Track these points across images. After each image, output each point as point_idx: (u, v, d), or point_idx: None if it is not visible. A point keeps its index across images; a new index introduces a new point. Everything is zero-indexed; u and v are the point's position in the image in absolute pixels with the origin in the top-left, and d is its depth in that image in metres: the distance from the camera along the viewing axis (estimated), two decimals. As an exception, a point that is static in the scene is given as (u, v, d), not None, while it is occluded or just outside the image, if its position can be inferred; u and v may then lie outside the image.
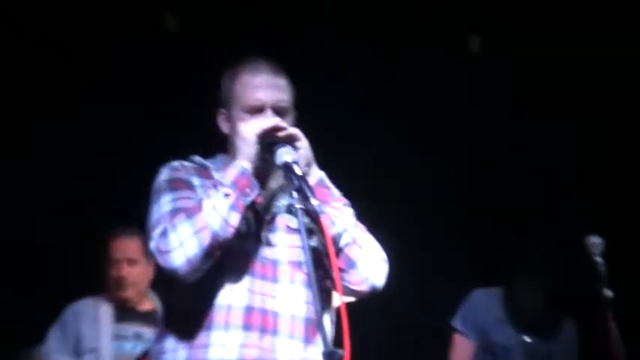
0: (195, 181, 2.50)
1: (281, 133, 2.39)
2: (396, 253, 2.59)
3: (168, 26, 4.90)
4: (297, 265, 2.46)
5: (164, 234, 2.35)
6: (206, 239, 2.32)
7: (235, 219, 2.34)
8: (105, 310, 4.01)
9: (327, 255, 2.27)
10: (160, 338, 2.49)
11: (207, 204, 2.34)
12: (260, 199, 2.41)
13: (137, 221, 3.32)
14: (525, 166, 5.27)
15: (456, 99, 5.11)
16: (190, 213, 2.35)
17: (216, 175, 2.49)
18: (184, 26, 4.89)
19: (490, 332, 4.23)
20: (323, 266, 2.34)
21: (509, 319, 4.24)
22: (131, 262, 4.02)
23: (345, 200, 2.51)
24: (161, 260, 2.36)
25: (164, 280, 2.46)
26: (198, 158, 2.59)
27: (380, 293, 2.51)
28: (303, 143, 2.42)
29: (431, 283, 5.05)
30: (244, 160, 2.39)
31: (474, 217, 5.25)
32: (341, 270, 2.40)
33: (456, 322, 4.30)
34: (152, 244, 2.38)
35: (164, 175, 2.52)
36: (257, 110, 2.49)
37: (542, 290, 4.18)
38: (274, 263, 2.46)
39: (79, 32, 4.76)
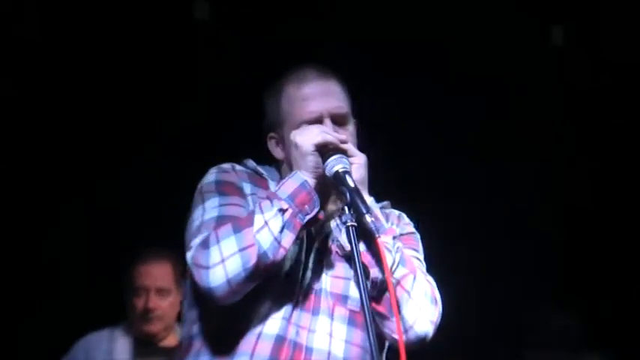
0: (247, 188, 2.36)
1: (333, 145, 2.24)
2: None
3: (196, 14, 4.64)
4: (340, 299, 2.32)
5: (205, 245, 2.20)
6: (252, 259, 2.16)
7: (289, 239, 2.19)
8: (122, 345, 3.74)
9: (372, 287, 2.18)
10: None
11: (258, 218, 2.18)
12: (322, 216, 2.26)
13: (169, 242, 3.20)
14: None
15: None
16: (238, 226, 2.19)
17: (272, 185, 2.37)
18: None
19: None
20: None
21: None
22: (161, 292, 3.72)
23: (395, 232, 2.34)
24: (197, 276, 2.20)
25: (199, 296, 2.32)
26: (252, 163, 2.45)
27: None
28: (359, 159, 2.27)
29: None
30: (305, 173, 2.23)
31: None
32: (382, 316, 2.27)
33: None
34: (189, 255, 2.23)
35: (212, 176, 2.38)
36: (313, 124, 2.34)
37: None
38: (318, 293, 2.31)
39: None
